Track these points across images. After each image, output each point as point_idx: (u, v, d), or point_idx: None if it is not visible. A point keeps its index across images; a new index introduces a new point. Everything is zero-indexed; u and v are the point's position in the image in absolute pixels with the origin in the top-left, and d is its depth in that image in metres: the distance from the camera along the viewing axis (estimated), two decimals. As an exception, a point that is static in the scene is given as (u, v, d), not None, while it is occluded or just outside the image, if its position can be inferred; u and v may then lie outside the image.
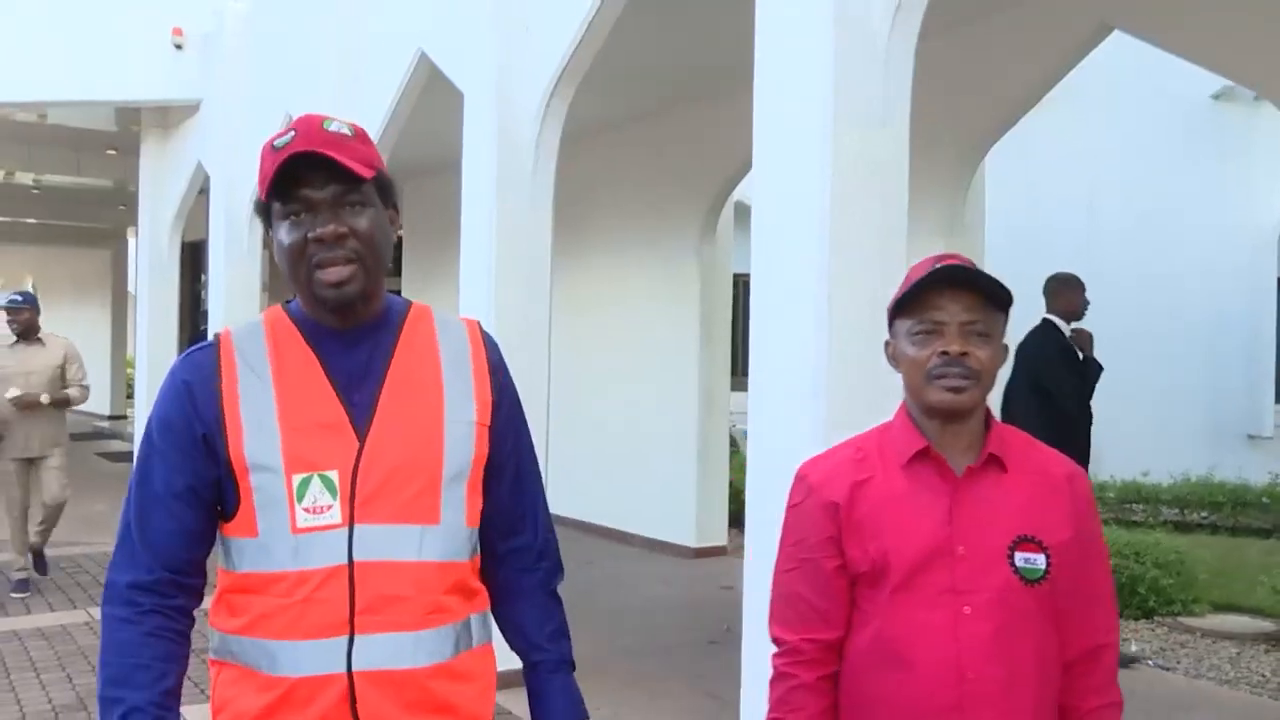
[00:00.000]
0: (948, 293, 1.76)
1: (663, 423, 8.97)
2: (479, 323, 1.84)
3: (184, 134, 10.62)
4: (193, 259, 15.45)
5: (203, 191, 10.67)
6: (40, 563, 7.31)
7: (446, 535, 1.67)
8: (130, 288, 20.13)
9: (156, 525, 1.65)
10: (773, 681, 1.89)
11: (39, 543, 7.26)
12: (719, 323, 8.99)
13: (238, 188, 9.30)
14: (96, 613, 6.73)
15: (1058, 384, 5.96)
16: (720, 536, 8.88)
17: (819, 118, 3.61)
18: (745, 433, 10.73)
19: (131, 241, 21.96)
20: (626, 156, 9.33)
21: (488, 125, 5.63)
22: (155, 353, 11.42)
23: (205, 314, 13.35)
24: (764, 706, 3.82)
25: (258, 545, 1.62)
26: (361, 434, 1.64)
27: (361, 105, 7.27)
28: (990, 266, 7.14)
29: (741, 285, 9.57)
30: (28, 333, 7.17)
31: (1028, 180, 10.68)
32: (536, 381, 5.42)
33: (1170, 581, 6.88)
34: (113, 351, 21.71)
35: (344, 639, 1.59)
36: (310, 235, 1.61)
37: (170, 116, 10.81)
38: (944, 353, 1.75)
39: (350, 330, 1.70)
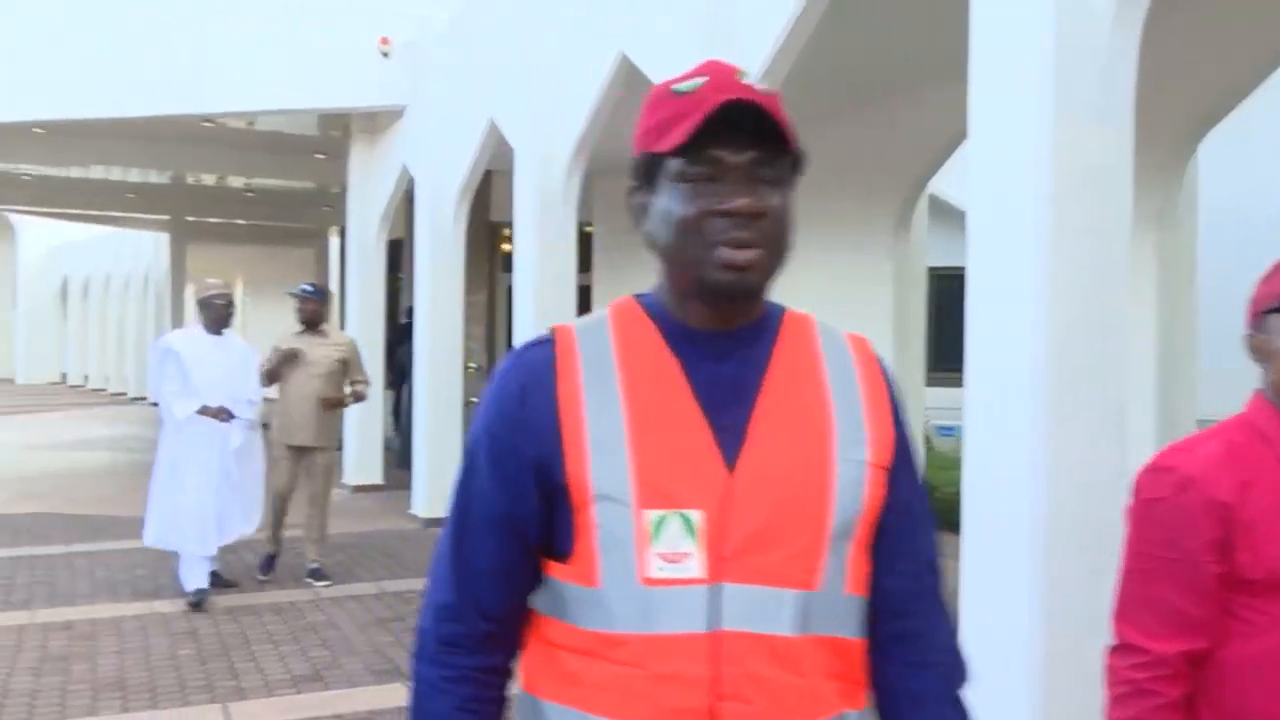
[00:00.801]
0: None
1: (854, 418, 8.93)
2: (868, 341, 1.47)
3: (390, 138, 11.15)
4: (390, 256, 16.19)
5: (405, 192, 11.19)
6: (318, 573, 7.40)
7: (829, 605, 1.31)
8: (331, 284, 21.17)
9: (474, 561, 1.37)
10: (1125, 696, 1.71)
11: (316, 544, 7.39)
12: (914, 319, 8.91)
13: (441, 188, 9.72)
14: (320, 591, 7.18)
15: None
16: (913, 532, 8.80)
17: (1038, 112, 3.58)
18: (938, 429, 10.56)
19: (333, 240, 23.11)
20: (818, 154, 9.14)
21: (691, 126, 5.74)
22: (362, 345, 12.02)
23: (409, 309, 13.98)
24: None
25: (596, 597, 1.28)
26: (731, 466, 1.29)
27: (562, 108, 7.52)
28: (1204, 259, 6.87)
29: (936, 279, 9.46)
30: (313, 323, 7.35)
31: (1244, 166, 10.17)
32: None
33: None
34: (316, 344, 22.85)
35: None
36: (721, 207, 1.28)
37: (377, 122, 11.35)
38: None
39: (722, 334, 1.35)
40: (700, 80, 1.31)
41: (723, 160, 1.28)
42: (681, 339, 1.35)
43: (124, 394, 27.26)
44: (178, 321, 22.79)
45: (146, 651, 5.91)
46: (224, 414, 6.72)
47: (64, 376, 33.75)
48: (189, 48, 10.60)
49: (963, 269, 3.87)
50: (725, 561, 1.26)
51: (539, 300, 7.73)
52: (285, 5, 10.56)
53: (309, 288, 7.47)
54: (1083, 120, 3.58)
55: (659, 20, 6.26)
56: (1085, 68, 3.59)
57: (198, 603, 6.69)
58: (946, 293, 11.03)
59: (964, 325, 3.89)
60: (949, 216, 11.68)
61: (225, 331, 6.96)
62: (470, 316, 10.95)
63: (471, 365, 11.34)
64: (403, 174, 10.77)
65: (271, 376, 7.19)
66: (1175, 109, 6.29)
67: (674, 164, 1.30)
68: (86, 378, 31.79)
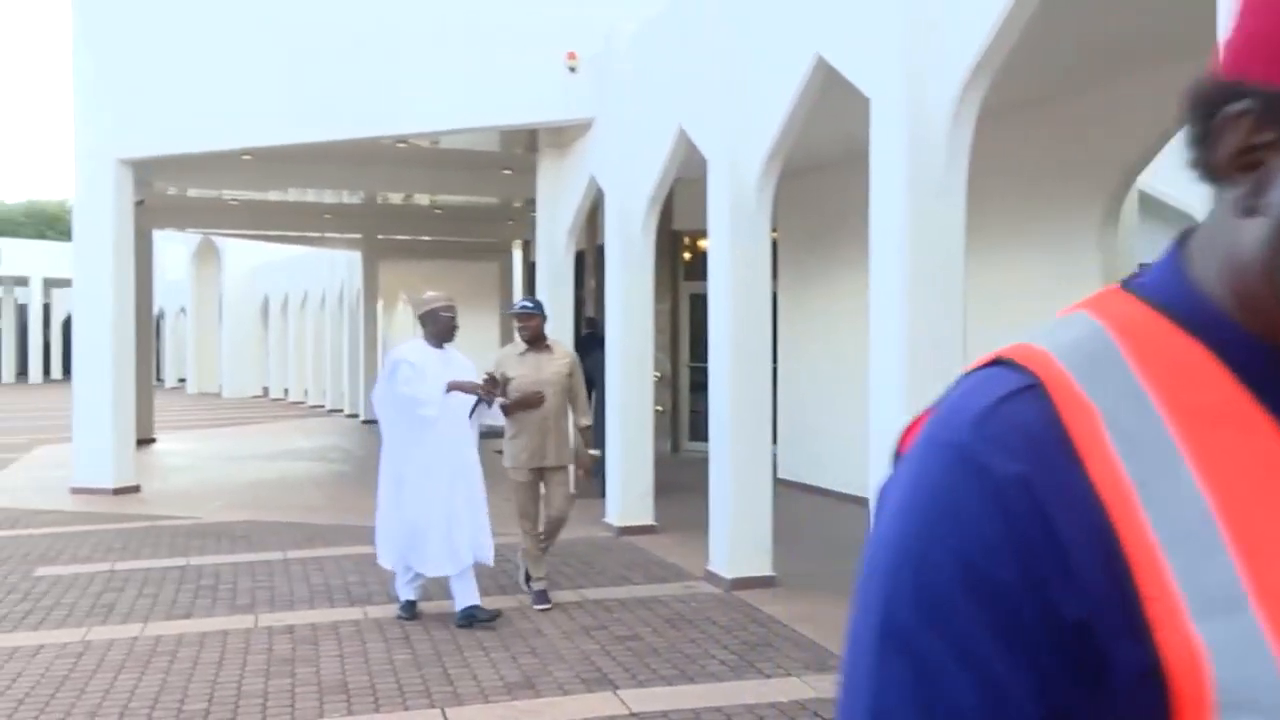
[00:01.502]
0: None
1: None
2: None
3: (577, 151, 11.29)
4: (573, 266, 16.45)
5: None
6: (532, 583, 7.24)
7: None
8: (515, 296, 21.62)
9: None
10: None
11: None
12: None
13: (630, 199, 9.78)
14: (526, 599, 7.27)
15: None
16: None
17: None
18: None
19: (515, 254, 23.64)
20: (1020, 143, 8.98)
21: (898, 128, 5.60)
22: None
23: (589, 320, 14.15)
24: None
25: None
26: None
27: (755, 114, 7.45)
28: None
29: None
30: (536, 340, 7.06)
31: None
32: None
33: None
34: (501, 356, 23.44)
35: None
36: None
37: (564, 135, 11.52)
38: None
39: None
40: None
41: None
42: (1261, 369, 0.72)
43: (322, 406, 28.50)
44: (371, 336, 23.72)
45: (365, 656, 6.10)
46: (477, 388, 6.59)
47: (265, 390, 35.60)
48: (383, 72, 11.01)
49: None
50: None
51: (734, 309, 7.67)
52: (474, 27, 10.85)
53: (529, 304, 7.23)
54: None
55: (857, 19, 6.12)
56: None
57: (410, 616, 6.83)
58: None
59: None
60: (1162, 212, 11.10)
61: (447, 346, 6.74)
62: (655, 325, 10.97)
63: (656, 374, 11.36)
64: (590, 185, 10.88)
65: (509, 413, 6.97)
66: None
67: None
68: (286, 391, 33.44)
